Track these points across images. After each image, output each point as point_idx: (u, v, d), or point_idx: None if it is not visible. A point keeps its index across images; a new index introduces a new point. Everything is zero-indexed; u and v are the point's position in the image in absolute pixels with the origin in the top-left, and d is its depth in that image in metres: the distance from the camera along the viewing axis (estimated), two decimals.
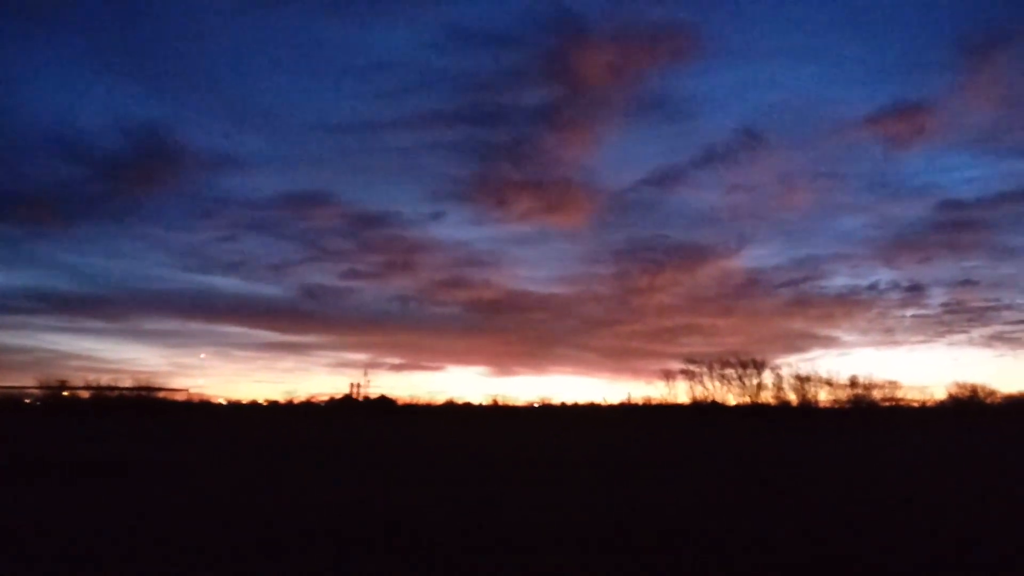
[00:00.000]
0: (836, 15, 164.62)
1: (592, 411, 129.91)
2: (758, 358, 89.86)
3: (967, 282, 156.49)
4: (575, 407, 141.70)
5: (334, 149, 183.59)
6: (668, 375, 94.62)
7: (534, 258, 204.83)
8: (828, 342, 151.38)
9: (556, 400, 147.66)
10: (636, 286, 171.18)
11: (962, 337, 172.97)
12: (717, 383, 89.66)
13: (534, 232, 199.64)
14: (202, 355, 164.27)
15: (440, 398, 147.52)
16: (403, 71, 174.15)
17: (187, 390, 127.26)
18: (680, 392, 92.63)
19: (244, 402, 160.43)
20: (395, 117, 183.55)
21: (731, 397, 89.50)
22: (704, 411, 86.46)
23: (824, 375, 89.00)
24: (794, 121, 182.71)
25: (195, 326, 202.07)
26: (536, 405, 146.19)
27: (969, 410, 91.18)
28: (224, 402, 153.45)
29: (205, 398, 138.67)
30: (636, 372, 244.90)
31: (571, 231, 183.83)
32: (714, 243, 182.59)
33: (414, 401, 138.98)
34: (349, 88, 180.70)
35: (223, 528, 13.15)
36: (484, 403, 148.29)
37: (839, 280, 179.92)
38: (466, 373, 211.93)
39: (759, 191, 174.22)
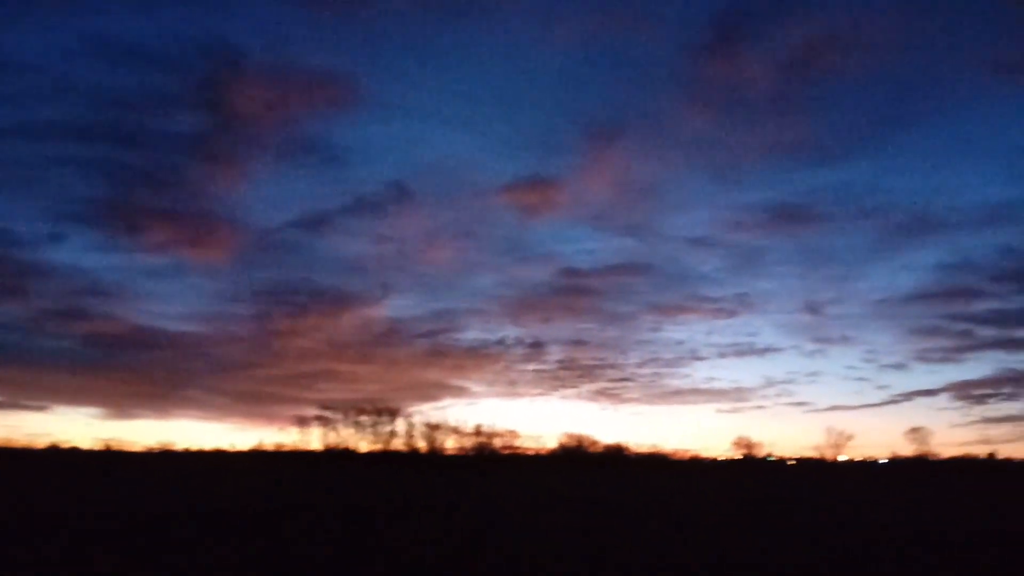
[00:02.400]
0: (488, 89, 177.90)
1: (218, 458, 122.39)
2: (392, 406, 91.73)
3: (579, 342, 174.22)
4: (200, 453, 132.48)
5: None
6: (302, 421, 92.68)
7: (167, 293, 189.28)
8: (459, 392, 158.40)
9: (179, 446, 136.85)
10: (276, 329, 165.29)
11: (573, 391, 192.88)
12: (351, 430, 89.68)
13: (169, 265, 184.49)
14: None
15: (42, 441, 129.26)
16: (31, 76, 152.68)
17: None
18: (313, 439, 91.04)
19: None
20: (15, 124, 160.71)
21: (364, 444, 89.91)
22: (335, 457, 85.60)
23: (452, 424, 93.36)
24: (441, 181, 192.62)
25: None
26: (156, 451, 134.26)
27: (575, 457, 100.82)
28: None
29: None
30: (270, 418, 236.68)
31: (210, 267, 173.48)
32: (358, 291, 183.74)
33: (9, 444, 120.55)
34: None
35: None
36: (95, 448, 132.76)
37: (471, 334, 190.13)
38: (76, 414, 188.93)
39: (404, 243, 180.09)
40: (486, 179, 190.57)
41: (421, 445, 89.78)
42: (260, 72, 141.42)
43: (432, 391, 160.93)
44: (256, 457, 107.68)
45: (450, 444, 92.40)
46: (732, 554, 16.16)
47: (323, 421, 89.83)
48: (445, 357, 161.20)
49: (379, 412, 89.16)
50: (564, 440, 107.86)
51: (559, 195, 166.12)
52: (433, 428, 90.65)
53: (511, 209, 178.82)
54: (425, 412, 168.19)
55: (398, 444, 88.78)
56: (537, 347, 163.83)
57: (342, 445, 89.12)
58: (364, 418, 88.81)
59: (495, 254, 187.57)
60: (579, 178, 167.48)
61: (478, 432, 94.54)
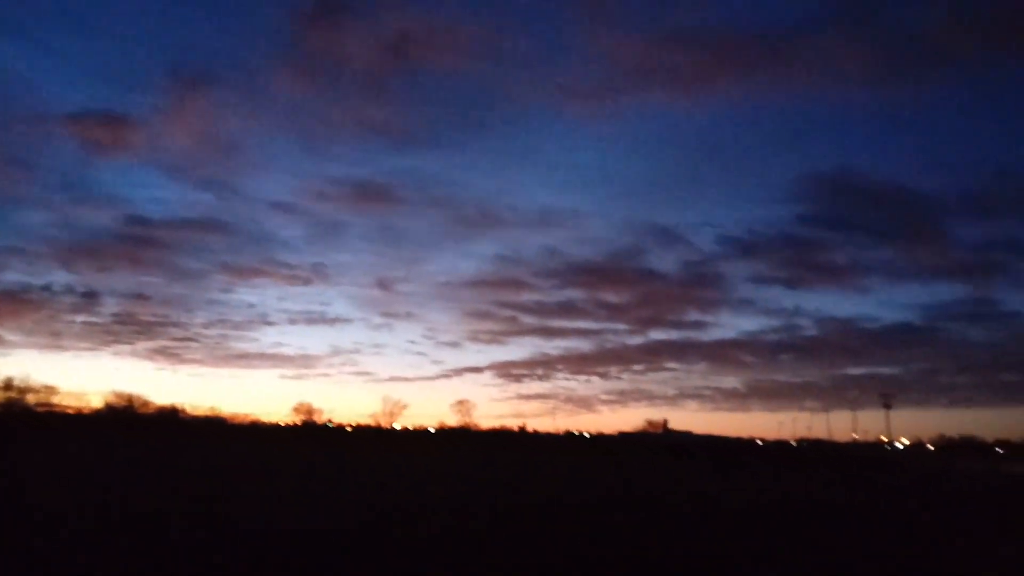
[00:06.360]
0: (62, 5, 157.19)
1: None
2: None
3: (140, 296, 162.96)
4: None
5: None
6: None
7: None
8: None
9: None
10: None
11: (127, 348, 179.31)
12: None
13: None
14: None
15: None
16: None
17: None
18: None
19: None
20: None
21: None
22: None
23: None
24: None
25: None
26: None
27: (123, 418, 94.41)
28: None
29: None
30: None
31: None
32: None
33: None
34: None
35: None
36: None
37: (11, 276, 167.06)
38: None
39: None
40: (48, 105, 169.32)
41: None
42: None
43: None
44: None
45: None
46: (274, 518, 16.90)
47: None
48: None
49: None
50: (112, 399, 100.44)
51: (133, 136, 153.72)
52: None
53: (75, 143, 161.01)
54: None
55: None
56: (90, 297, 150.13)
57: None
58: None
59: (50, 190, 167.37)
60: (158, 121, 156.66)
61: (7, 386, 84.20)
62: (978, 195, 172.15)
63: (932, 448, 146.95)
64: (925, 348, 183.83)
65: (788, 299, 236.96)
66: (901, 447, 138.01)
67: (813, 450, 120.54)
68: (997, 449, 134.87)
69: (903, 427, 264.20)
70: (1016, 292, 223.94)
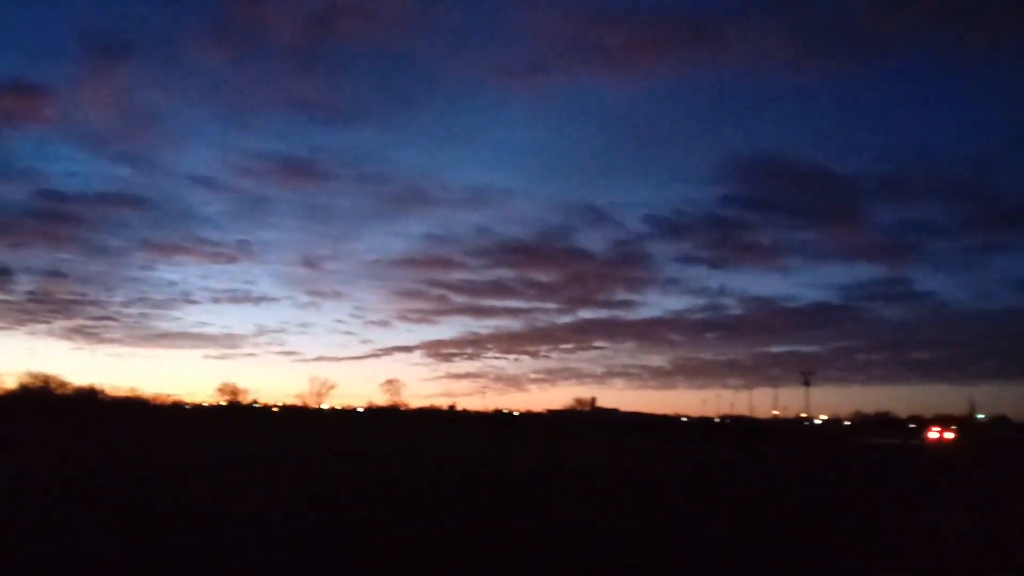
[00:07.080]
0: None
1: None
2: None
3: (57, 273, 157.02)
4: None
5: None
6: None
7: None
8: None
9: None
10: None
11: (43, 327, 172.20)
12: None
13: None
14: None
15: None
16: None
17: None
18: None
19: None
20: None
21: None
22: None
23: None
24: None
25: None
26: None
27: (39, 400, 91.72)
28: None
29: None
30: None
31: None
32: None
33: None
34: None
35: None
36: None
37: None
38: None
39: None
40: None
41: None
42: None
43: None
44: None
45: None
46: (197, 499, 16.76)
47: None
48: None
49: None
50: (27, 380, 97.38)
51: (47, 106, 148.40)
52: None
53: None
54: None
55: None
56: (3, 275, 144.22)
57: None
58: None
59: None
60: (73, 92, 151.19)
61: None
62: (894, 178, 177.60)
63: (848, 424, 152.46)
64: (843, 327, 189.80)
65: (713, 279, 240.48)
66: (819, 423, 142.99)
67: (734, 426, 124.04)
68: (910, 425, 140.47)
69: (822, 404, 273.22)
70: (930, 272, 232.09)
